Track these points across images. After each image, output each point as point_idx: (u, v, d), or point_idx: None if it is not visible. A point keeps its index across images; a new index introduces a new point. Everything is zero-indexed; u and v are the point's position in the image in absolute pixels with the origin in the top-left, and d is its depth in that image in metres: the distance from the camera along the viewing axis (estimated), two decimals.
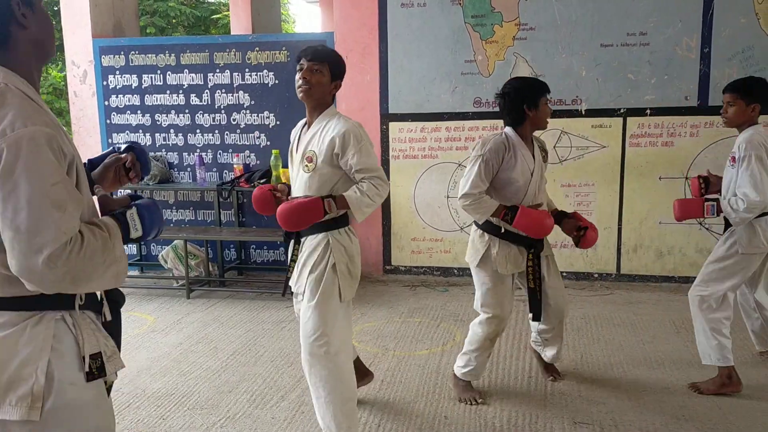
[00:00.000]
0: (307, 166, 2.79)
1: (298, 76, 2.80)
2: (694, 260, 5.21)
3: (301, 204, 2.70)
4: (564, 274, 5.47)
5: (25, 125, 1.38)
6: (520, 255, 3.33)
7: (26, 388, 1.44)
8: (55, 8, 11.24)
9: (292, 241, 2.91)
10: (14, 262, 1.38)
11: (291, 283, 2.94)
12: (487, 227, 3.33)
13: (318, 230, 2.81)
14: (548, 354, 3.64)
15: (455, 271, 5.68)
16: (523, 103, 3.24)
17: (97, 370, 1.55)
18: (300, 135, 2.92)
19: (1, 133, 1.37)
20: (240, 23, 9.59)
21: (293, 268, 2.91)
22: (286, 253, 3.12)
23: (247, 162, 5.83)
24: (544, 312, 3.41)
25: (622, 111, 5.24)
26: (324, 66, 2.79)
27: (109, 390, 1.65)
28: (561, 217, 3.46)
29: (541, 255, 3.37)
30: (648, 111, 5.17)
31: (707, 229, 5.17)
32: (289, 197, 2.90)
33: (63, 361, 1.49)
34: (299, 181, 2.84)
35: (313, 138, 2.81)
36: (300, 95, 2.81)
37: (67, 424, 1.50)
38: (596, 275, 5.46)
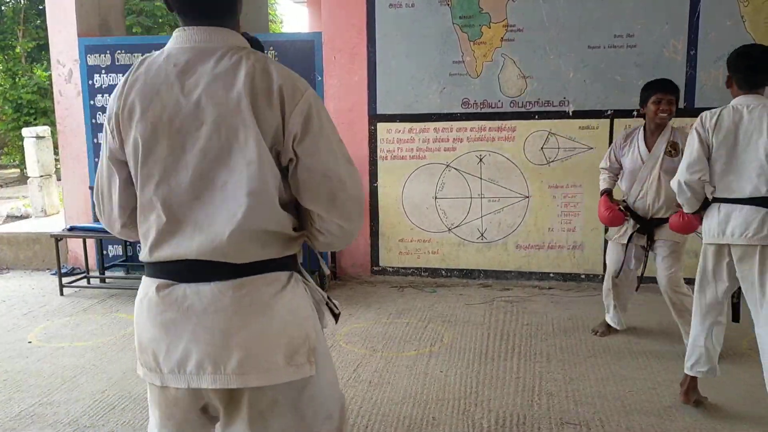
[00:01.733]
0: None
1: None
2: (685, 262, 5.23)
3: None
4: (550, 274, 5.51)
5: (309, 86, 1.45)
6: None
7: (309, 344, 1.49)
8: (40, 7, 11.15)
9: None
10: (338, 212, 1.46)
11: None
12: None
13: None
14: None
15: (443, 272, 5.68)
16: (640, 102, 3.88)
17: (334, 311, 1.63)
18: None
19: (302, 88, 1.43)
20: None
21: None
22: None
23: None
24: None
25: (609, 112, 5.26)
26: None
27: None
28: None
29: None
30: (635, 113, 5.19)
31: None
32: None
33: (313, 314, 1.55)
34: None
35: None
36: None
37: (324, 371, 1.55)
38: (583, 276, 5.48)
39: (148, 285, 1.51)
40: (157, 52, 1.49)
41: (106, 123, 1.53)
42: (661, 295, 3.98)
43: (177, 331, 1.44)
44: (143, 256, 1.51)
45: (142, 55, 1.54)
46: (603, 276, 4.20)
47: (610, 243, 4.18)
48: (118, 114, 1.48)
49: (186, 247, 1.43)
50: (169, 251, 1.45)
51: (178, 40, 1.48)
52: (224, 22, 1.49)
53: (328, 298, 1.63)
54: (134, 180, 1.50)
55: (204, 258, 1.43)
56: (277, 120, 1.41)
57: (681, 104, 5.08)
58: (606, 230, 5.36)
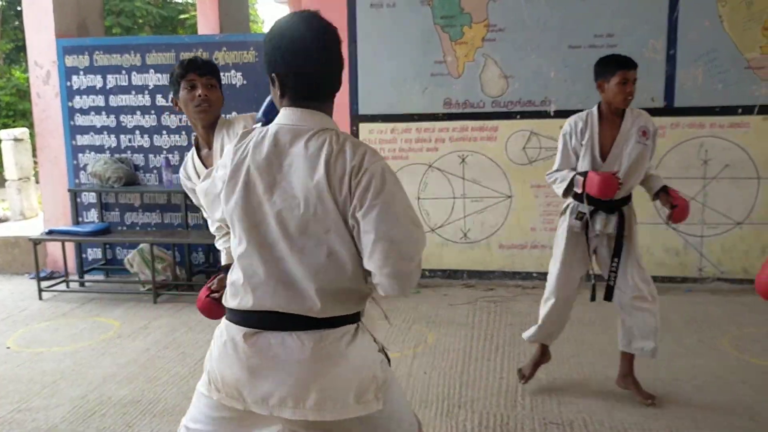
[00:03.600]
0: None
1: (192, 94, 2.54)
2: (662, 260, 5.27)
3: None
4: (533, 274, 5.52)
5: (379, 159, 1.67)
6: None
7: (376, 383, 1.72)
8: (18, 8, 11.01)
9: None
10: (388, 270, 1.64)
11: None
12: None
13: None
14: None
15: (426, 272, 5.67)
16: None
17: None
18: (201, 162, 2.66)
19: (367, 164, 1.64)
20: (207, 23, 9.49)
21: None
22: None
23: None
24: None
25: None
26: (216, 80, 2.63)
27: None
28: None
29: None
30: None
31: (674, 228, 5.24)
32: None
33: (380, 356, 1.80)
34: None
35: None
36: (200, 115, 2.57)
37: (393, 404, 1.81)
38: None
39: (233, 330, 1.71)
40: (264, 128, 1.74)
41: (222, 177, 1.74)
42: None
43: (262, 375, 1.67)
44: (230, 303, 1.73)
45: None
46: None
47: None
48: (232, 174, 1.70)
49: (272, 300, 1.66)
50: (256, 303, 1.68)
51: (284, 117, 1.74)
52: (322, 106, 1.75)
53: (383, 346, 1.87)
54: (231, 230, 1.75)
55: (288, 311, 1.66)
56: (345, 194, 1.64)
57: (661, 104, 5.15)
58: None
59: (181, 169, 2.73)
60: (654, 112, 5.17)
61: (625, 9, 5.12)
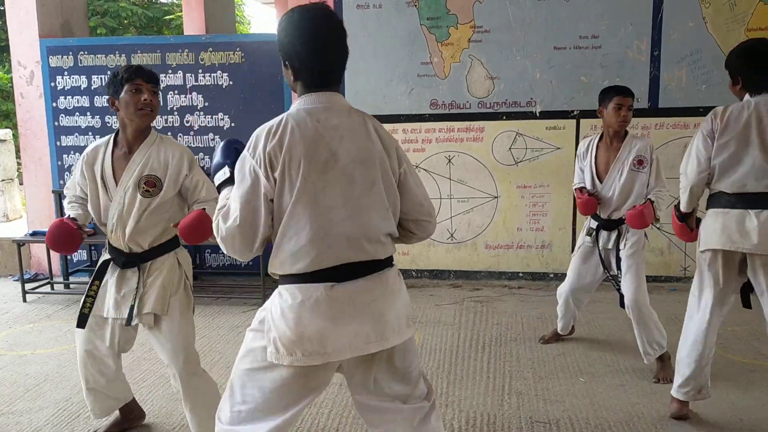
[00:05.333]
0: (148, 191, 2.73)
1: (136, 97, 2.70)
2: (647, 259, 5.29)
3: (201, 215, 2.64)
4: (520, 274, 5.54)
5: None
6: None
7: (410, 314, 2.09)
8: (1, 8, 10.91)
9: (104, 269, 2.85)
10: (428, 219, 2.08)
11: (103, 310, 2.83)
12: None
13: (168, 250, 2.85)
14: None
15: (413, 272, 5.68)
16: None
17: None
18: (111, 159, 2.80)
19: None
20: (193, 24, 9.45)
21: (96, 294, 2.83)
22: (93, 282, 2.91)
23: (202, 165, 5.73)
24: None
25: (575, 113, 5.31)
26: (158, 89, 2.81)
27: None
28: None
29: None
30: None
31: (658, 228, 5.28)
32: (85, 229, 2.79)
33: None
34: (126, 206, 2.75)
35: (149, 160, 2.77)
36: (143, 119, 2.74)
37: None
38: (552, 275, 5.53)
39: (308, 289, 1.89)
40: (295, 110, 1.94)
41: (252, 169, 1.87)
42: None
43: (345, 320, 1.89)
44: (295, 269, 1.89)
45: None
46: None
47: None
48: (273, 160, 1.86)
49: (345, 255, 1.90)
50: (329, 261, 1.88)
51: (310, 101, 1.94)
52: (336, 88, 2.01)
53: None
54: (284, 209, 1.88)
55: (356, 260, 1.91)
56: (393, 157, 2.00)
57: (645, 104, 5.18)
58: (574, 231, 5.42)
59: (89, 150, 2.83)
60: (638, 112, 5.22)
61: (610, 10, 5.16)
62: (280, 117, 1.92)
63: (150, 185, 2.73)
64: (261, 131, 1.90)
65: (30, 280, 5.82)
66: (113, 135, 2.83)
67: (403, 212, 2.05)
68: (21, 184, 7.44)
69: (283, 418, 1.99)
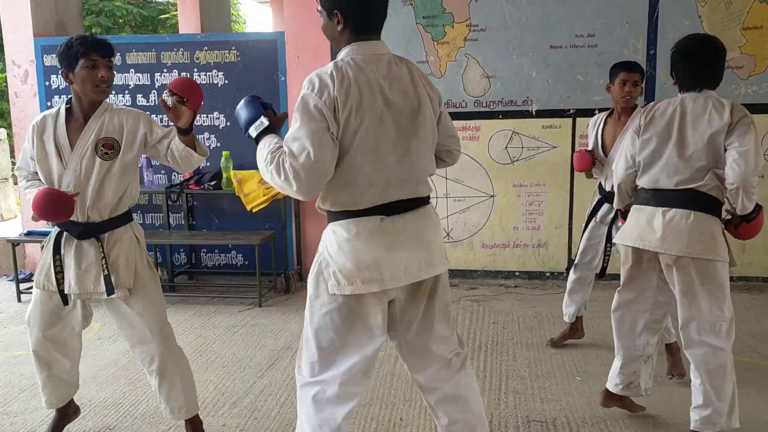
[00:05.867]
0: (107, 153, 2.71)
1: (93, 74, 2.66)
2: None
3: None
4: (516, 273, 5.54)
5: None
6: None
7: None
8: None
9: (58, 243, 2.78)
10: (458, 155, 2.43)
11: (64, 286, 2.76)
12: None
13: (125, 222, 2.82)
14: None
15: None
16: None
17: None
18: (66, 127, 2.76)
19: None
20: (189, 23, 9.42)
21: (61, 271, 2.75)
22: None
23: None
24: None
25: (571, 112, 5.31)
26: (112, 61, 2.76)
27: None
28: None
29: None
30: (596, 111, 5.24)
31: None
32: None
33: None
34: (84, 172, 2.71)
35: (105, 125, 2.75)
36: (100, 96, 2.73)
37: None
38: (548, 274, 5.53)
39: (363, 222, 2.08)
40: (348, 59, 2.09)
41: (319, 109, 1.99)
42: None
43: (396, 248, 2.08)
44: (353, 205, 2.08)
45: None
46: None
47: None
48: (336, 104, 2.00)
49: (395, 194, 2.10)
50: (381, 200, 2.09)
51: (361, 50, 2.11)
52: (379, 37, 2.18)
53: None
54: (344, 152, 2.04)
55: (405, 198, 2.13)
56: (435, 100, 2.23)
57: (641, 103, 5.18)
58: (570, 230, 5.42)
59: (38, 120, 2.78)
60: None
61: (606, 9, 5.16)
62: (334, 64, 2.06)
63: (108, 147, 2.70)
64: (324, 76, 2.03)
65: (25, 280, 5.79)
66: (65, 104, 2.79)
67: (438, 144, 2.28)
68: (15, 183, 7.40)
69: (359, 357, 2.16)
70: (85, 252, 2.74)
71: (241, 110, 2.20)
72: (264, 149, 2.07)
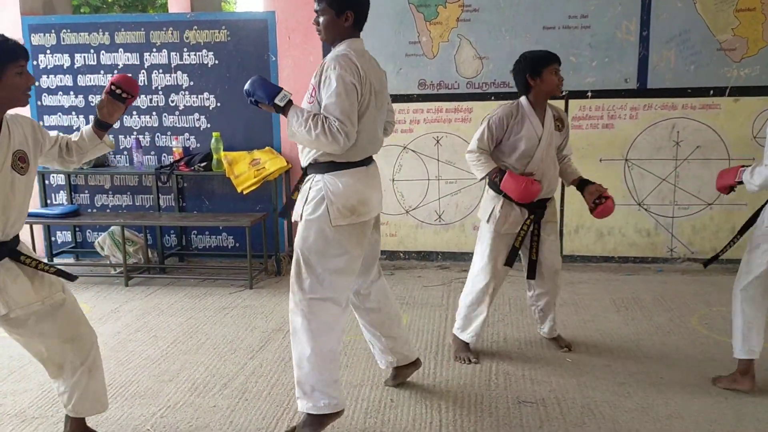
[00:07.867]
0: (23, 167, 2.49)
1: (23, 81, 2.43)
2: (634, 240, 5.33)
3: None
4: None
5: None
6: (521, 216, 3.52)
7: None
8: None
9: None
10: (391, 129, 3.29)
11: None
12: (494, 187, 3.55)
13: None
14: (545, 330, 3.86)
15: (401, 254, 5.67)
16: (525, 73, 3.48)
17: None
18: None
19: None
20: (178, 2, 9.32)
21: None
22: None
23: (187, 145, 5.67)
24: (537, 272, 3.65)
25: (564, 93, 5.28)
26: None
27: None
28: (584, 185, 3.60)
29: (542, 221, 3.59)
30: (589, 93, 5.23)
31: (646, 209, 5.29)
32: None
33: None
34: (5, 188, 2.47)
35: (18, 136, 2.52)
36: (25, 103, 2.48)
37: None
38: None
39: (358, 171, 2.79)
40: (360, 50, 2.79)
41: (354, 85, 2.64)
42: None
43: (373, 189, 2.88)
44: (356, 157, 2.77)
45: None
46: None
47: (496, 236, 3.58)
48: (362, 82, 2.68)
49: (372, 150, 2.88)
50: (372, 151, 2.88)
51: (358, 44, 2.80)
52: None
53: None
54: (358, 118, 2.71)
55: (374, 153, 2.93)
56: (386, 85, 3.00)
57: (634, 85, 5.17)
58: (562, 212, 5.42)
59: None
60: (627, 93, 5.23)
61: None
62: (348, 53, 2.68)
63: (23, 161, 2.49)
64: (350, 55, 2.67)
65: None
66: None
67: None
68: None
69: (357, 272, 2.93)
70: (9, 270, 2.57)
71: (258, 86, 2.70)
72: (300, 116, 2.63)
